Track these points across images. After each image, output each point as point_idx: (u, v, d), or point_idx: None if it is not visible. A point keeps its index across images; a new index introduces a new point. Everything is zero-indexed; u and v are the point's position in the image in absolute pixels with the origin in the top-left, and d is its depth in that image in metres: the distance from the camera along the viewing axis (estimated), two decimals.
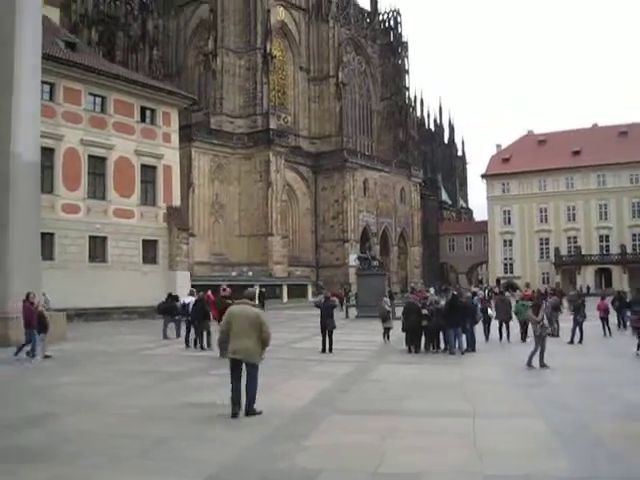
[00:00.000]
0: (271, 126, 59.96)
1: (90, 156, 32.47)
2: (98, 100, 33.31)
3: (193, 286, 35.07)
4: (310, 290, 55.42)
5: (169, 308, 21.61)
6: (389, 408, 9.74)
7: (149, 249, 35.05)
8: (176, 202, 36.79)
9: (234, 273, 52.66)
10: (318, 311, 18.22)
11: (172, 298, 21.93)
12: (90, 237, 32.21)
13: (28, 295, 15.94)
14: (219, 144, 57.96)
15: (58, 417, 9.14)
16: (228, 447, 7.27)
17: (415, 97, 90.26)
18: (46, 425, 8.62)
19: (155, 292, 32.14)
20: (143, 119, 35.46)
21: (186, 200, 42.49)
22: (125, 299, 32.26)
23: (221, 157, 58.33)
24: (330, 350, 17.48)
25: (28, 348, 15.81)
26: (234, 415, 8.56)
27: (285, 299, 51.88)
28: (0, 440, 7.69)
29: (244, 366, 8.66)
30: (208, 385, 12.16)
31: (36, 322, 15.42)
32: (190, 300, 19.04)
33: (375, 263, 37.34)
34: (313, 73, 71.37)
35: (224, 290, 17.28)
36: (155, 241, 35.29)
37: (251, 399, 8.64)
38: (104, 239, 32.79)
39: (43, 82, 23.54)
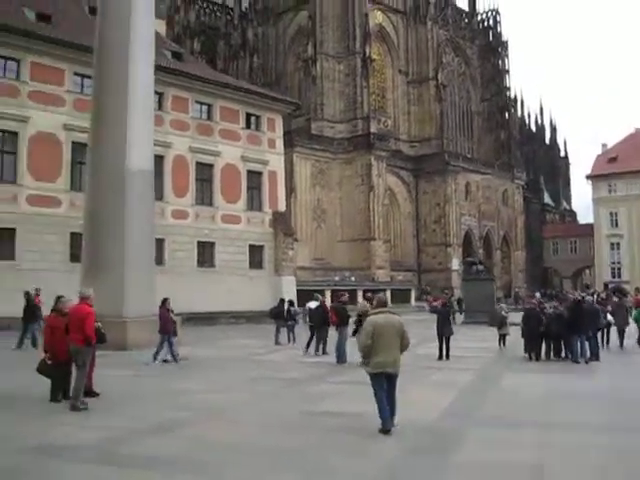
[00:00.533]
0: (372, 130, 59.75)
1: (198, 163, 33.19)
2: (204, 108, 34.02)
3: (298, 291, 35.52)
4: (413, 295, 54.75)
5: (281, 313, 21.71)
6: (534, 420, 9.22)
7: (255, 254, 35.48)
8: (281, 207, 37.13)
9: (337, 278, 52.68)
10: (422, 316, 17.83)
11: (288, 303, 22.07)
12: (198, 242, 32.88)
13: (165, 301, 16.25)
14: (320, 149, 58.23)
15: (190, 424, 9.09)
16: (377, 460, 7.00)
17: (515, 97, 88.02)
18: (180, 432, 8.57)
19: (261, 297, 32.65)
20: (248, 125, 36.00)
21: (288, 205, 42.78)
22: (232, 304, 32.68)
23: (322, 162, 58.56)
24: (447, 357, 17.03)
25: (166, 355, 16.03)
26: (387, 431, 8.02)
27: (389, 304, 51.19)
28: (135, 447, 7.68)
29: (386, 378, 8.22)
30: (330, 393, 11.98)
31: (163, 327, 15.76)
32: (315, 305, 19.00)
33: (481, 268, 36.45)
34: (412, 76, 70.66)
35: (342, 295, 17.07)
36: (261, 246, 35.69)
37: (395, 412, 8.28)
38: (212, 244, 33.40)
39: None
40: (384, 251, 59.41)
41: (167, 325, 15.85)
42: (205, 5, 74.09)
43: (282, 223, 36.63)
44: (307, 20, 64.56)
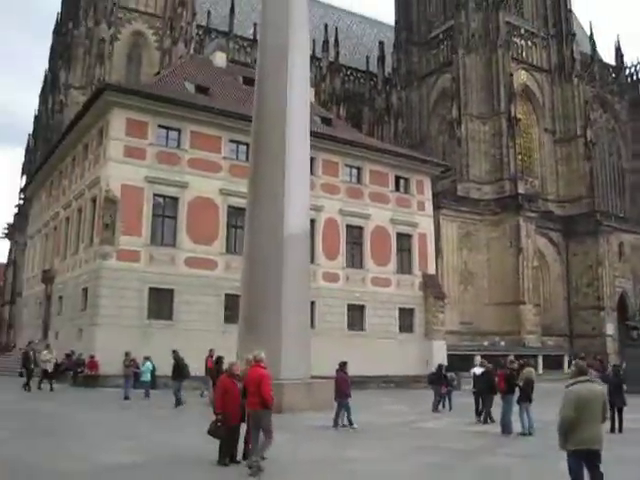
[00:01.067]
0: (519, 191, 58.05)
1: (348, 225, 33.22)
2: (354, 171, 34.22)
3: (449, 356, 34.33)
4: (566, 361, 51.74)
5: (440, 379, 20.84)
6: None
7: (405, 317, 34.78)
8: (431, 270, 36.37)
9: (486, 343, 50.88)
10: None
11: (441, 368, 21.18)
12: (349, 305, 32.63)
13: (343, 365, 16.05)
14: (467, 211, 57.12)
15: None
16: None
17: None
18: None
19: (411, 361, 31.77)
20: (397, 188, 35.79)
21: (435, 268, 41.95)
22: (382, 368, 31.93)
23: (469, 224, 57.35)
24: (620, 430, 15.52)
25: (343, 420, 15.65)
26: None
27: (540, 370, 48.81)
28: None
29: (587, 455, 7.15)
30: (505, 467, 11.10)
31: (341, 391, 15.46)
32: (480, 371, 18.01)
33: None
34: (559, 134, 68.48)
35: (512, 362, 15.98)
36: (411, 309, 34.96)
37: None
38: (362, 307, 33.05)
39: None
40: (534, 315, 56.76)
41: (345, 389, 15.50)
42: (349, 72, 75.95)
43: (432, 286, 35.82)
44: (451, 82, 64.53)
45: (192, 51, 55.12)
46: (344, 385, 15.60)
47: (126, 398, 20.79)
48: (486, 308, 56.89)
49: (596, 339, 60.58)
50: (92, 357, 24.54)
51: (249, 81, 36.16)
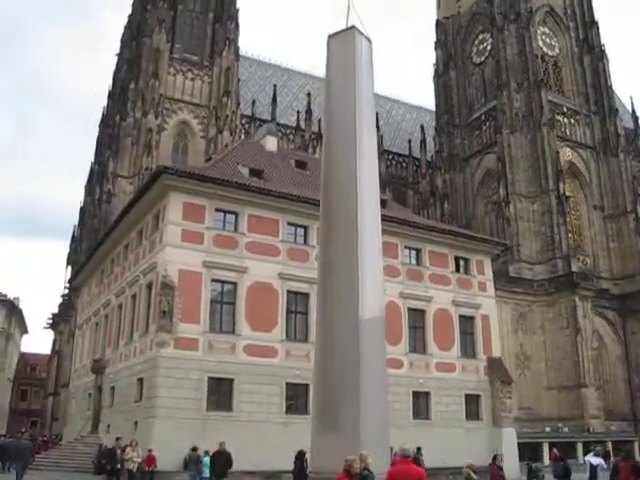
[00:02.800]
0: (573, 269, 56.41)
1: (409, 309, 31.93)
2: (413, 253, 33.16)
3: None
4: (637, 447, 48.73)
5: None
6: None
7: (471, 404, 32.91)
8: (495, 353, 34.66)
9: (548, 429, 48.35)
10: None
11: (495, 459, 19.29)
12: (413, 392, 30.97)
13: (495, 458, 14.58)
14: (520, 292, 55.45)
15: None
16: None
17: None
18: None
19: (479, 451, 29.66)
20: (457, 269, 34.59)
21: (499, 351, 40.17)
22: (449, 458, 29.90)
23: (523, 305, 55.57)
24: None
25: None
26: None
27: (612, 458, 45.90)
28: None
29: None
30: None
31: None
32: (599, 462, 16.28)
33: None
34: (608, 210, 67.12)
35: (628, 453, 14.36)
36: (477, 395, 33.12)
37: None
38: (427, 394, 31.33)
39: None
40: (596, 398, 54.04)
41: None
42: (391, 157, 76.04)
43: (498, 370, 34.02)
44: (496, 162, 64.00)
45: (237, 139, 55.56)
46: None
47: None
48: (545, 392, 54.47)
49: None
50: (150, 451, 23.12)
51: (301, 164, 36.02)
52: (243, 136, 57.83)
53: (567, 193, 61.89)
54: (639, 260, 64.70)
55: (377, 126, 74.30)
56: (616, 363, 61.05)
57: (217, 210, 27.83)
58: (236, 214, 28.31)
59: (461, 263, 35.00)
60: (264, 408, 26.30)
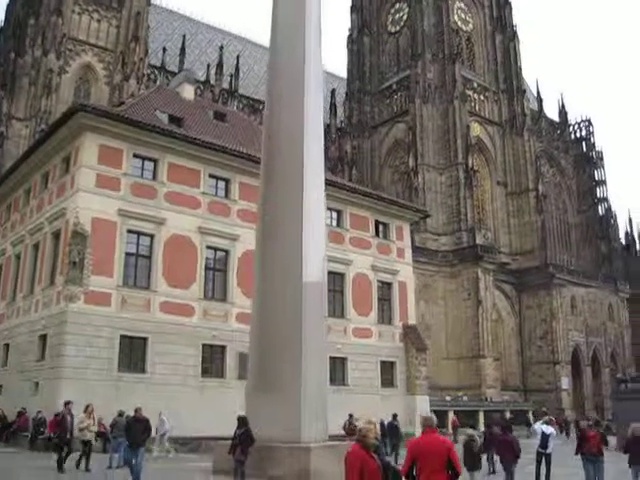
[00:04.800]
0: (477, 242, 57.24)
1: (329, 272, 30.63)
2: (335, 214, 32.05)
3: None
4: (531, 417, 50.13)
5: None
6: None
7: (386, 371, 32.42)
8: (411, 320, 34.24)
9: (448, 398, 48.88)
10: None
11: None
12: (331, 357, 30.02)
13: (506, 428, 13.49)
14: (424, 262, 55.66)
15: None
16: None
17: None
18: None
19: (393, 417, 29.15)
20: (377, 233, 33.82)
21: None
22: None
23: (427, 276, 55.87)
24: None
25: None
26: None
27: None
28: None
29: None
30: None
31: None
32: (551, 430, 15.69)
33: (638, 386, 32.44)
34: (511, 187, 68.67)
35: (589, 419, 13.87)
36: (392, 362, 32.66)
37: None
38: (344, 360, 30.52)
39: None
40: (494, 369, 55.46)
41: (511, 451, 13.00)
42: None
43: (414, 337, 33.63)
44: (407, 132, 63.86)
45: (143, 88, 52.47)
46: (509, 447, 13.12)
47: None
48: (444, 362, 55.21)
49: (552, 393, 59.71)
50: (57, 416, 20.98)
51: (220, 116, 34.03)
52: (150, 85, 54.61)
53: (475, 167, 62.66)
54: (537, 237, 66.73)
55: None
56: (511, 336, 62.89)
57: (135, 156, 25.60)
58: (155, 161, 26.17)
59: (381, 228, 34.23)
60: (180, 370, 24.63)
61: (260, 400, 14.80)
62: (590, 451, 13.84)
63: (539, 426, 16.01)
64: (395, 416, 24.66)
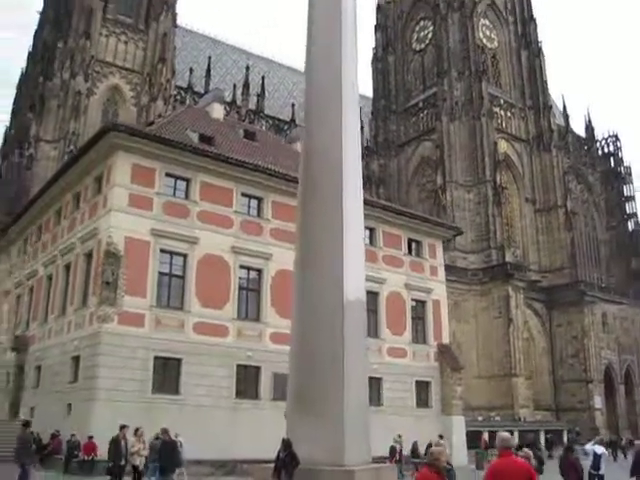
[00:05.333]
0: (507, 259, 56.52)
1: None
2: (367, 232, 31.58)
3: None
4: (565, 436, 49.08)
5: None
6: None
7: (421, 391, 31.81)
8: (445, 339, 33.63)
9: (480, 418, 48.03)
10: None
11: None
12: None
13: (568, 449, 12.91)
14: (454, 280, 54.90)
15: None
16: None
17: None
18: None
19: (430, 439, 28.49)
20: (410, 251, 33.36)
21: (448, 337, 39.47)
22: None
23: (457, 294, 55.05)
24: None
25: None
26: None
27: (543, 447, 46.03)
28: None
29: None
30: None
31: None
32: (602, 451, 15.11)
33: None
34: (539, 204, 67.89)
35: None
36: (427, 382, 32.04)
37: None
38: (379, 380, 29.91)
39: None
40: (526, 388, 54.49)
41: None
42: None
43: (449, 357, 33.02)
44: (434, 150, 63.54)
45: (170, 109, 52.62)
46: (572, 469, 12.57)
47: None
48: (475, 381, 54.26)
49: (584, 412, 58.52)
50: (90, 438, 20.67)
51: (250, 135, 33.87)
52: (177, 106, 54.78)
53: (503, 184, 62.05)
54: (566, 254, 65.80)
55: None
56: (542, 354, 61.79)
57: (168, 175, 25.40)
58: (188, 180, 25.96)
59: (413, 246, 33.77)
60: (213, 392, 24.21)
61: (301, 422, 14.33)
62: None
63: (591, 447, 15.45)
64: (441, 437, 24.14)
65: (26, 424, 17.25)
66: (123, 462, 16.99)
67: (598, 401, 59.73)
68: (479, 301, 56.19)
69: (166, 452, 16.74)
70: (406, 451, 25.32)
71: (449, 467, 7.18)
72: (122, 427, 17.33)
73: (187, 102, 55.12)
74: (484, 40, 69.55)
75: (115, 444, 17.01)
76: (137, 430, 17.55)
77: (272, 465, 14.43)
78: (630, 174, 78.74)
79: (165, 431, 17.20)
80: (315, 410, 16.08)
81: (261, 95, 67.63)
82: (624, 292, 69.36)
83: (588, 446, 16.17)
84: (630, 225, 76.91)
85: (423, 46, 72.12)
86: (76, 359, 24.11)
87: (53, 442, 23.41)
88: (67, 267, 27.27)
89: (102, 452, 20.78)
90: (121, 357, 22.40)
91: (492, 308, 55.55)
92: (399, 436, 24.37)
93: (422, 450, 25.48)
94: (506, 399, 52.89)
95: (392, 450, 23.34)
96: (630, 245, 75.99)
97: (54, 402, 25.01)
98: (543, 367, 61.72)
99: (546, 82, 71.49)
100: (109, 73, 53.51)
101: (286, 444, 14.05)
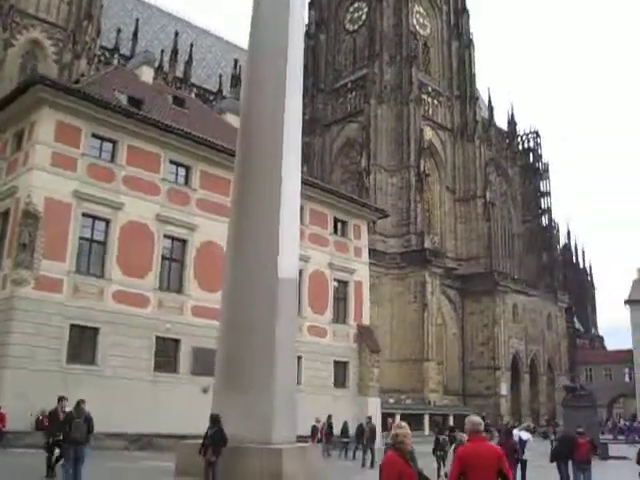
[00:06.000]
0: (426, 245, 57.28)
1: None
2: None
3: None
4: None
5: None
6: None
7: (339, 371, 31.84)
8: (366, 321, 33.73)
9: (392, 400, 48.65)
10: None
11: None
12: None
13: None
14: (373, 264, 55.21)
15: None
16: None
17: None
18: None
19: (344, 419, 28.69)
20: (335, 231, 33.19)
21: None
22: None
23: (374, 277, 55.25)
24: None
25: None
26: None
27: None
28: None
29: None
30: None
31: None
32: (527, 437, 15.41)
33: (585, 393, 32.77)
34: (459, 193, 69.08)
35: (579, 426, 13.55)
36: (345, 362, 32.10)
37: None
38: (299, 358, 29.63)
39: None
40: (437, 373, 55.60)
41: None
42: None
43: (368, 338, 33.15)
44: (360, 131, 63.52)
45: (95, 70, 50.46)
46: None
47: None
48: (387, 364, 54.81)
49: (491, 399, 60.21)
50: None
51: (179, 101, 32.83)
52: (101, 68, 52.57)
53: (427, 171, 62.73)
54: (483, 244, 67.25)
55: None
56: (452, 341, 63.10)
57: (94, 136, 24.26)
58: (115, 143, 24.89)
59: (339, 226, 33.64)
60: (132, 363, 23.43)
61: (228, 397, 13.88)
62: (581, 459, 13.54)
63: (517, 432, 15.80)
64: (370, 418, 24.38)
65: None
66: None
67: (504, 388, 61.55)
68: (396, 285, 56.73)
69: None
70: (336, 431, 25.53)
71: (412, 449, 6.88)
72: (60, 399, 15.77)
73: (115, 64, 52.86)
74: (417, 27, 69.79)
75: (54, 417, 15.40)
76: (81, 402, 16.11)
77: (198, 442, 13.97)
78: (547, 170, 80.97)
79: (80, 402, 16.18)
80: (244, 386, 15.60)
81: (189, 63, 65.88)
82: (535, 285, 71.58)
83: (515, 431, 16.48)
84: (544, 220, 79.20)
85: (356, 27, 71.74)
86: None
87: None
88: None
89: (11, 424, 19.90)
90: (35, 324, 21.32)
91: (408, 293, 56.25)
92: (329, 416, 24.44)
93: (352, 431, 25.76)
94: (417, 383, 53.81)
95: (314, 430, 23.21)
96: (543, 240, 78.30)
97: None
98: (453, 353, 63.02)
99: (474, 74, 72.36)
100: (30, 25, 50.65)
101: (214, 420, 13.56)
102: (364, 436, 23.06)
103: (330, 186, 37.82)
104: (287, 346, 17.03)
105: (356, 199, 36.71)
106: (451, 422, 48.01)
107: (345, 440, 25.98)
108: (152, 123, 25.51)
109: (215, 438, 12.99)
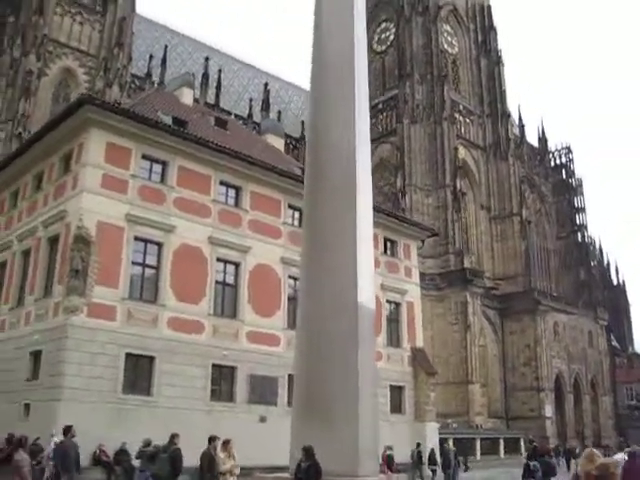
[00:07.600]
0: (465, 265, 55.96)
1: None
2: None
3: None
4: (523, 445, 48.70)
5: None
6: None
7: (395, 396, 30.52)
8: (420, 343, 32.47)
9: (437, 425, 47.16)
10: None
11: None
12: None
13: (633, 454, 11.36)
14: None
15: None
16: None
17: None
18: None
19: (402, 446, 27.37)
20: (385, 251, 32.08)
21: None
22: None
23: None
24: None
25: None
26: None
27: (502, 454, 45.64)
28: None
29: None
30: None
31: None
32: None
33: None
34: (494, 211, 67.80)
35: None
36: (401, 387, 30.79)
37: None
38: None
39: None
40: (481, 396, 53.95)
41: None
42: (290, 141, 72.39)
43: (422, 361, 31.87)
44: (393, 153, 62.61)
45: (126, 96, 50.12)
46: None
47: None
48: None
49: (535, 421, 58.34)
50: (62, 443, 18.48)
51: (221, 123, 32.11)
52: (133, 94, 52.23)
53: (463, 190, 61.65)
54: (520, 262, 65.83)
55: (279, 116, 70.30)
56: (494, 362, 61.47)
57: (144, 157, 23.44)
58: (165, 164, 24.06)
59: (389, 245, 32.54)
60: (187, 393, 22.33)
61: (311, 430, 12.81)
62: None
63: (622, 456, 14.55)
64: (419, 445, 23.29)
65: None
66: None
67: (549, 410, 59.72)
68: (436, 307, 55.39)
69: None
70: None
71: None
72: (212, 439, 14.42)
73: (146, 89, 52.47)
74: (445, 45, 69.18)
75: (209, 460, 14.13)
76: (225, 441, 14.63)
77: (279, 475, 13.08)
78: (581, 186, 79.70)
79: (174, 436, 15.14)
80: (328, 418, 14.39)
81: (218, 88, 65.52)
82: (573, 302, 69.91)
83: (619, 455, 15.21)
84: (579, 236, 77.68)
85: (384, 48, 71.26)
86: (36, 354, 21.86)
87: (9, 447, 21.07)
88: (25, 253, 24.93)
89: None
90: (89, 353, 20.34)
91: (449, 314, 54.92)
92: (418, 444, 23.49)
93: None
94: (461, 406, 52.22)
95: (390, 459, 21.96)
96: (579, 256, 76.72)
97: (7, 402, 22.62)
98: (494, 375, 61.41)
99: (505, 91, 71.57)
100: (62, 54, 50.51)
101: (308, 453, 12.49)
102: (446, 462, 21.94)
103: (380, 206, 36.76)
104: (369, 376, 15.78)
105: (407, 218, 35.87)
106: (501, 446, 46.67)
107: (433, 468, 24.95)
108: (202, 143, 24.68)
109: (310, 473, 11.96)
